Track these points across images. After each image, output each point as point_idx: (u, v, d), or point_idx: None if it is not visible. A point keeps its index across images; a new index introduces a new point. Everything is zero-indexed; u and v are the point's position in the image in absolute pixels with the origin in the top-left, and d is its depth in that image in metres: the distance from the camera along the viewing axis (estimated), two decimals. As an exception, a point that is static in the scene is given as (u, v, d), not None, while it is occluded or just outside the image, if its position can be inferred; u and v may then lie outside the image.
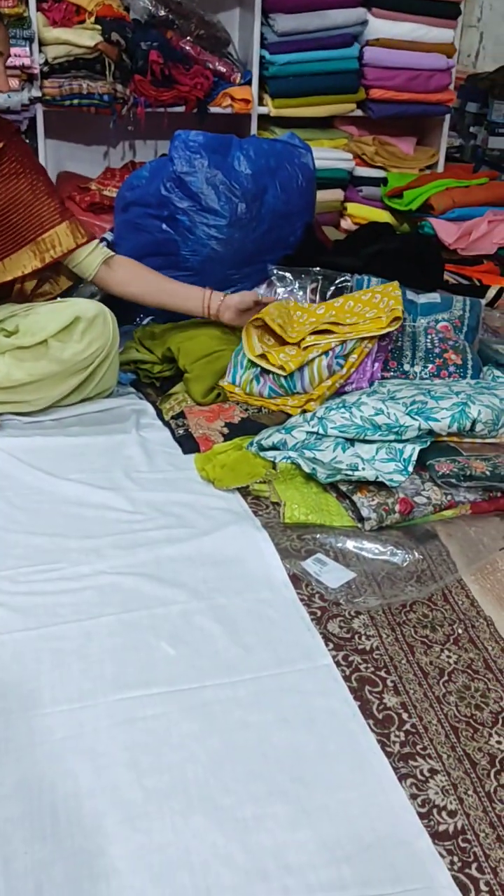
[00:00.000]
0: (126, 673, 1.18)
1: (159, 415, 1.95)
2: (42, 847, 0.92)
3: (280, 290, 2.26)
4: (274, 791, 1.00)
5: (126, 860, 0.91)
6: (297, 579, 1.40)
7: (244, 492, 1.64)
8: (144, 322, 2.32)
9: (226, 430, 1.84)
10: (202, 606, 1.32)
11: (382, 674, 1.20)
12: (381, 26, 2.94)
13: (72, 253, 1.84)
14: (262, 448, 1.72)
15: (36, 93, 2.69)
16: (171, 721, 1.10)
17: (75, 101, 2.73)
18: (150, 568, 1.41)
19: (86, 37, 2.66)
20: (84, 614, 1.29)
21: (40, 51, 2.66)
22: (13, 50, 2.60)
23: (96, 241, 1.88)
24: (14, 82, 2.62)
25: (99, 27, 2.68)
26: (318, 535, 1.52)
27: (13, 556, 1.42)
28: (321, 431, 1.69)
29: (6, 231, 1.79)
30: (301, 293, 2.29)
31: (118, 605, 1.32)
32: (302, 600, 1.35)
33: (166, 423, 1.90)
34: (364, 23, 2.93)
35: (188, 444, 1.80)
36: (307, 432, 1.71)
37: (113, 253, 1.90)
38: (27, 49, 2.62)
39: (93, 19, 2.70)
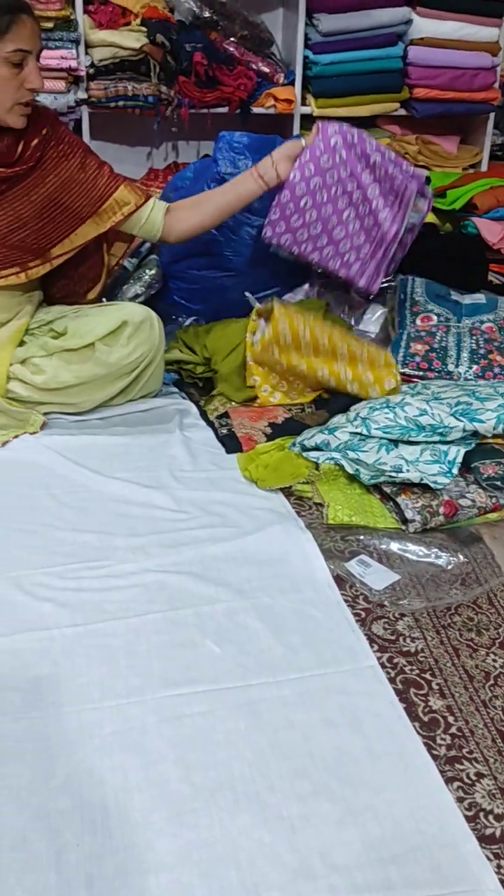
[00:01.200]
0: (173, 670, 1.19)
1: (202, 414, 1.97)
2: (92, 840, 0.94)
3: (324, 289, 2.27)
4: (320, 790, 1.01)
5: (174, 855, 0.92)
6: (340, 580, 1.40)
7: (287, 492, 1.65)
8: (187, 322, 2.33)
9: (269, 430, 1.84)
10: (246, 605, 1.33)
11: (428, 676, 1.20)
12: (425, 25, 2.92)
13: (135, 213, 1.84)
14: (304, 448, 1.73)
15: (82, 95, 2.72)
16: (217, 718, 1.11)
17: (120, 103, 2.74)
18: (195, 566, 1.42)
19: (131, 39, 2.67)
20: (131, 611, 1.31)
21: (86, 53, 2.69)
22: (59, 52, 2.63)
23: (153, 198, 1.88)
24: (60, 84, 2.65)
25: (144, 29, 2.70)
26: (361, 537, 1.52)
27: (62, 553, 1.44)
28: (365, 432, 1.69)
29: (66, 212, 1.81)
30: (344, 292, 2.29)
31: (164, 602, 1.33)
32: (346, 601, 1.35)
33: (210, 423, 1.92)
34: (408, 22, 2.90)
35: (231, 443, 1.81)
36: (350, 433, 1.71)
37: (166, 203, 1.90)
38: (73, 51, 2.64)
39: (138, 21, 2.72)
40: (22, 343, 1.88)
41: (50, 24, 2.60)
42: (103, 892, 0.88)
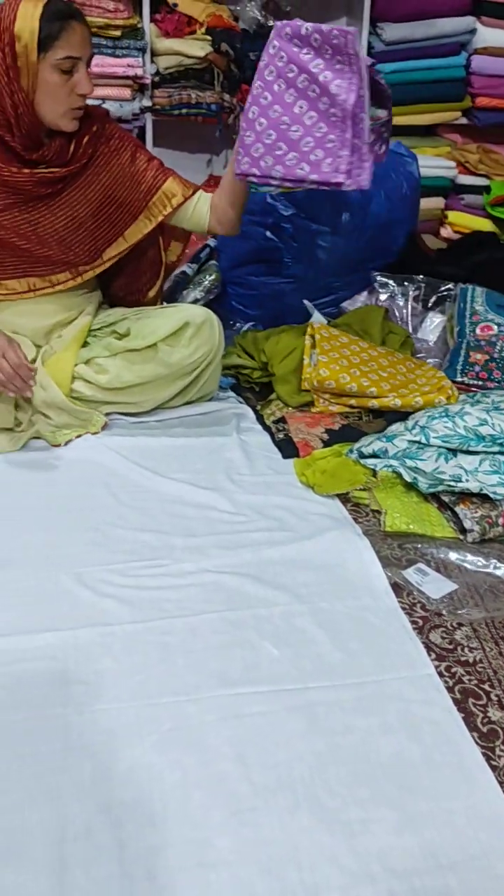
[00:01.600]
0: (231, 670, 1.20)
1: (259, 419, 1.98)
2: (153, 833, 0.96)
3: (382, 297, 2.27)
4: (379, 796, 1.01)
5: (235, 852, 0.93)
6: (398, 588, 1.40)
7: (343, 498, 1.66)
8: (244, 328, 2.35)
9: (326, 436, 1.85)
10: (304, 609, 1.34)
11: (486, 687, 1.20)
12: (489, 35, 2.90)
13: (183, 205, 1.85)
14: (362, 455, 1.73)
15: (146, 102, 2.76)
16: (276, 719, 1.12)
17: (183, 111, 2.78)
18: (252, 569, 1.43)
19: (196, 47, 2.71)
20: (188, 610, 1.33)
21: (152, 61, 2.73)
22: (126, 61, 2.67)
23: (200, 190, 1.89)
24: (126, 92, 2.70)
25: (209, 38, 2.73)
26: (418, 545, 1.52)
27: (122, 551, 1.47)
28: (423, 441, 1.69)
29: (119, 206, 1.84)
30: (402, 300, 2.29)
31: (221, 603, 1.35)
32: (403, 609, 1.35)
33: (266, 427, 1.93)
34: (472, 31, 2.89)
35: (288, 448, 1.82)
36: (409, 441, 1.71)
37: (209, 195, 1.89)
38: (140, 59, 2.68)
39: (203, 30, 2.76)
40: (86, 344, 1.92)
41: (117, 33, 2.65)
42: (165, 885, 0.90)
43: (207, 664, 1.21)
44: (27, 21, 1.56)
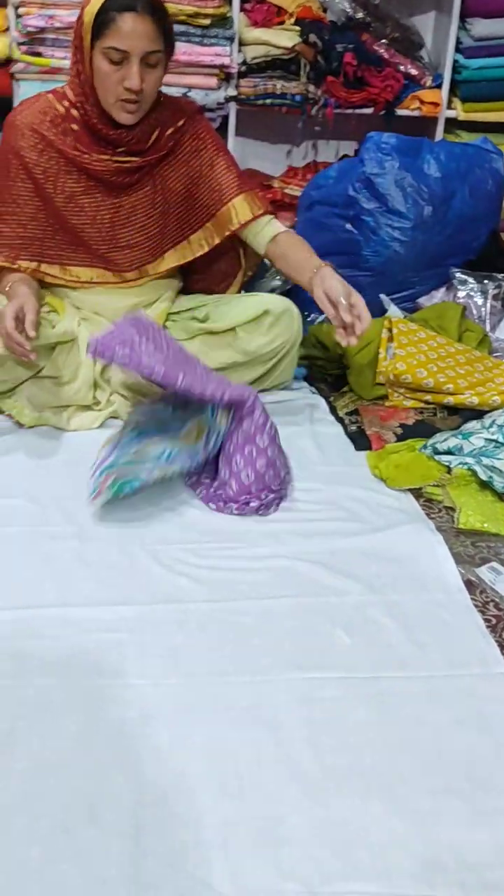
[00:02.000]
0: (303, 654, 1.22)
1: (332, 410, 1.99)
2: (228, 806, 0.98)
3: (461, 294, 2.25)
4: (450, 788, 1.01)
5: (307, 831, 0.95)
6: (471, 585, 1.40)
7: (416, 493, 1.65)
8: (319, 320, 2.35)
9: (399, 431, 1.85)
10: (375, 600, 1.35)
11: None
12: None
13: (248, 225, 1.85)
14: (436, 451, 1.72)
15: (232, 92, 2.78)
16: (348, 706, 1.13)
17: (268, 101, 2.79)
18: (325, 557, 1.44)
19: (284, 38, 2.72)
20: (262, 594, 1.34)
21: (239, 50, 2.75)
22: (214, 49, 2.69)
23: (271, 215, 1.88)
24: (213, 81, 2.72)
25: (298, 28, 2.73)
26: (492, 544, 1.51)
27: (196, 531, 1.49)
28: (500, 440, 1.68)
29: (189, 210, 1.86)
30: (481, 298, 2.27)
31: (294, 588, 1.36)
32: (476, 606, 1.35)
33: (339, 419, 1.93)
34: None
35: (361, 440, 1.83)
36: (486, 439, 1.70)
37: (283, 229, 1.88)
38: (227, 49, 2.70)
39: (292, 20, 2.76)
40: (165, 328, 1.95)
41: (206, 21, 2.67)
42: (239, 856, 0.92)
43: (281, 647, 1.23)
44: (92, 5, 1.58)
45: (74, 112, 1.72)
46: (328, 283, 1.68)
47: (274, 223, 1.88)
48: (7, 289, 1.76)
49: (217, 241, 1.88)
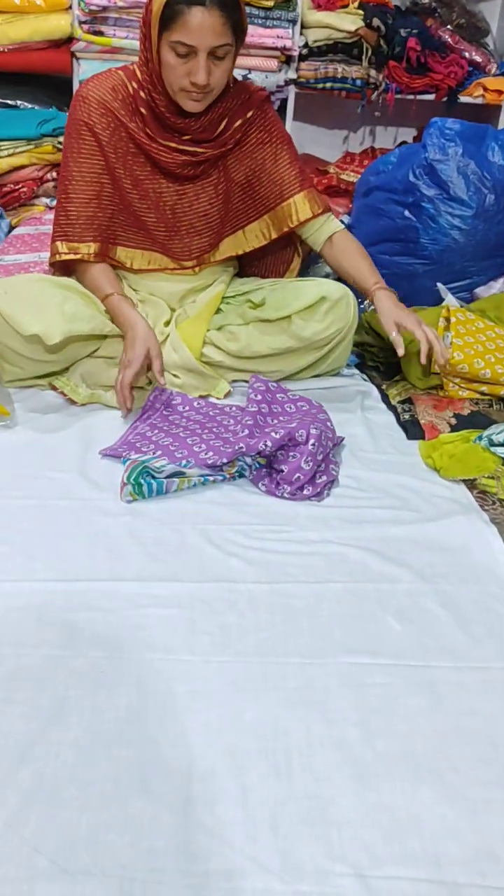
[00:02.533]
0: (354, 639, 1.21)
1: (384, 398, 1.97)
2: (277, 784, 0.97)
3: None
4: (502, 779, 1.00)
5: (357, 814, 0.94)
6: (525, 579, 1.37)
7: (469, 484, 1.63)
8: (372, 307, 2.33)
9: (453, 421, 1.82)
10: (427, 589, 1.33)
11: None
12: None
13: (307, 223, 1.86)
14: (492, 443, 1.69)
15: (292, 75, 2.76)
16: (398, 692, 1.12)
17: (328, 85, 2.78)
18: (376, 544, 1.43)
19: (347, 21, 2.69)
20: (312, 577, 1.34)
21: (301, 33, 2.73)
22: (276, 31, 2.68)
23: (329, 213, 1.88)
24: (273, 63, 2.70)
25: (361, 12, 2.71)
26: (547, 538, 1.48)
27: (247, 514, 1.49)
28: None
29: (248, 200, 1.85)
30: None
31: (345, 574, 1.35)
32: (530, 600, 1.32)
33: (391, 407, 1.91)
34: None
35: (414, 429, 1.81)
36: (543, 433, 1.66)
37: (340, 228, 1.90)
38: (289, 31, 2.69)
39: (356, 4, 2.74)
40: (219, 311, 1.94)
41: (269, 3, 2.66)
42: (288, 835, 0.91)
43: (332, 631, 1.22)
44: None
45: (142, 94, 1.70)
46: (397, 314, 1.76)
47: (331, 221, 1.88)
48: (109, 300, 1.76)
49: (274, 235, 1.88)
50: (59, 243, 1.79)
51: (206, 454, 1.57)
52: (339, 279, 2.19)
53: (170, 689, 1.09)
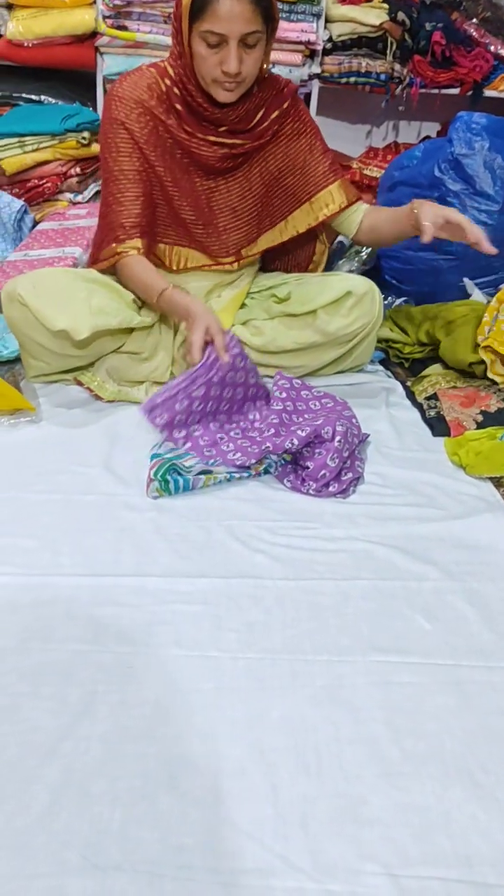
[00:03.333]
0: (381, 637, 1.20)
1: (409, 394, 1.95)
2: (307, 782, 0.97)
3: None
4: (533, 780, 0.99)
5: (387, 812, 0.94)
6: (553, 577, 1.36)
7: (496, 482, 1.61)
8: (396, 303, 2.32)
9: (480, 418, 1.81)
10: (455, 587, 1.32)
11: None
12: None
13: (342, 212, 1.85)
14: (519, 441, 1.68)
15: (315, 69, 2.75)
16: (426, 691, 1.11)
17: (352, 80, 2.76)
18: (402, 542, 1.42)
19: (372, 15, 2.67)
20: (339, 575, 1.33)
21: (325, 27, 2.71)
22: (300, 26, 2.67)
23: (361, 201, 1.88)
24: (297, 58, 2.69)
25: (386, 6, 2.69)
26: None
27: (272, 510, 1.48)
28: None
29: (286, 191, 1.85)
30: None
31: (372, 571, 1.34)
32: None
33: (416, 404, 1.90)
34: None
35: (439, 426, 1.79)
36: None
37: (367, 209, 1.90)
38: (314, 25, 2.67)
39: (381, -2, 2.72)
40: (244, 305, 1.94)
41: (294, -3, 2.65)
42: (318, 834, 0.91)
43: (359, 628, 1.21)
44: None
45: (176, 90, 1.69)
46: (437, 210, 1.68)
47: (361, 207, 1.87)
48: (165, 294, 1.68)
49: (311, 224, 1.87)
50: (114, 245, 1.74)
51: (234, 455, 1.57)
52: (364, 273, 2.18)
53: (197, 686, 1.09)
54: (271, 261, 2.05)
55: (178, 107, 1.69)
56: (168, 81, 1.69)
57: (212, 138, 1.70)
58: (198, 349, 1.56)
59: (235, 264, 1.86)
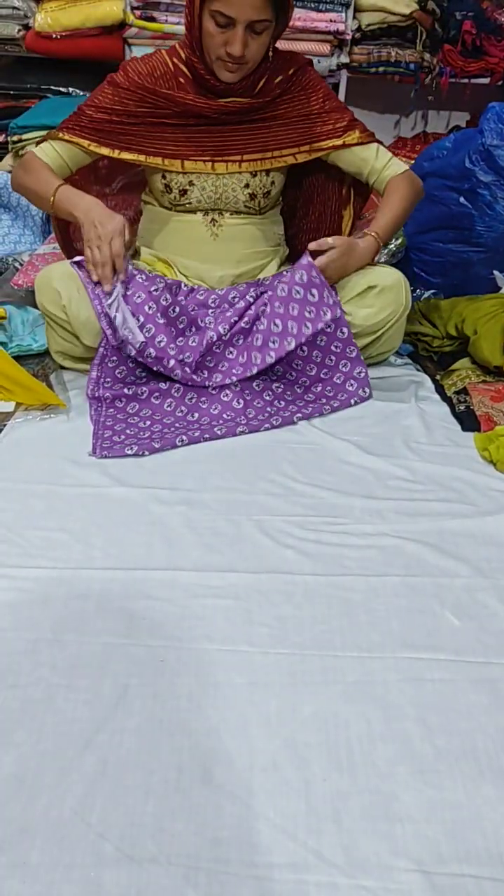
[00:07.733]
0: (412, 634, 1.20)
1: (438, 388, 1.94)
2: (339, 778, 0.97)
3: None
4: None
5: (420, 810, 0.94)
6: None
7: (527, 478, 1.61)
8: (425, 295, 2.30)
9: (510, 413, 1.79)
10: (486, 584, 1.32)
11: None
12: None
13: (359, 146, 1.85)
14: (550, 436, 1.67)
15: (344, 59, 2.73)
16: (458, 689, 1.11)
17: (381, 69, 2.74)
18: (432, 538, 1.42)
19: (402, 4, 2.65)
20: (369, 570, 1.33)
21: (354, 17, 2.69)
22: (329, 16, 2.65)
23: (377, 144, 1.87)
24: (325, 48, 2.67)
25: (416, -5, 2.67)
26: None
27: (301, 505, 1.48)
28: None
29: (297, 131, 1.84)
30: None
31: (401, 567, 1.34)
32: None
33: (446, 398, 1.89)
34: None
35: (469, 421, 1.78)
36: None
37: (402, 170, 1.89)
38: (342, 15, 2.65)
39: (411, -14, 2.69)
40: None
41: (323, -13, 2.63)
42: (351, 829, 0.92)
43: (390, 625, 1.21)
44: None
45: (183, 68, 1.75)
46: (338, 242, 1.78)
47: (394, 164, 1.88)
48: (61, 189, 1.72)
49: (314, 155, 1.85)
50: (62, 133, 1.79)
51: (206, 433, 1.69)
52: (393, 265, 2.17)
53: (229, 680, 1.10)
54: (294, 241, 2.04)
55: (182, 80, 1.74)
56: (176, 59, 1.75)
57: (214, 104, 1.72)
58: (120, 241, 1.65)
59: (240, 164, 1.82)
